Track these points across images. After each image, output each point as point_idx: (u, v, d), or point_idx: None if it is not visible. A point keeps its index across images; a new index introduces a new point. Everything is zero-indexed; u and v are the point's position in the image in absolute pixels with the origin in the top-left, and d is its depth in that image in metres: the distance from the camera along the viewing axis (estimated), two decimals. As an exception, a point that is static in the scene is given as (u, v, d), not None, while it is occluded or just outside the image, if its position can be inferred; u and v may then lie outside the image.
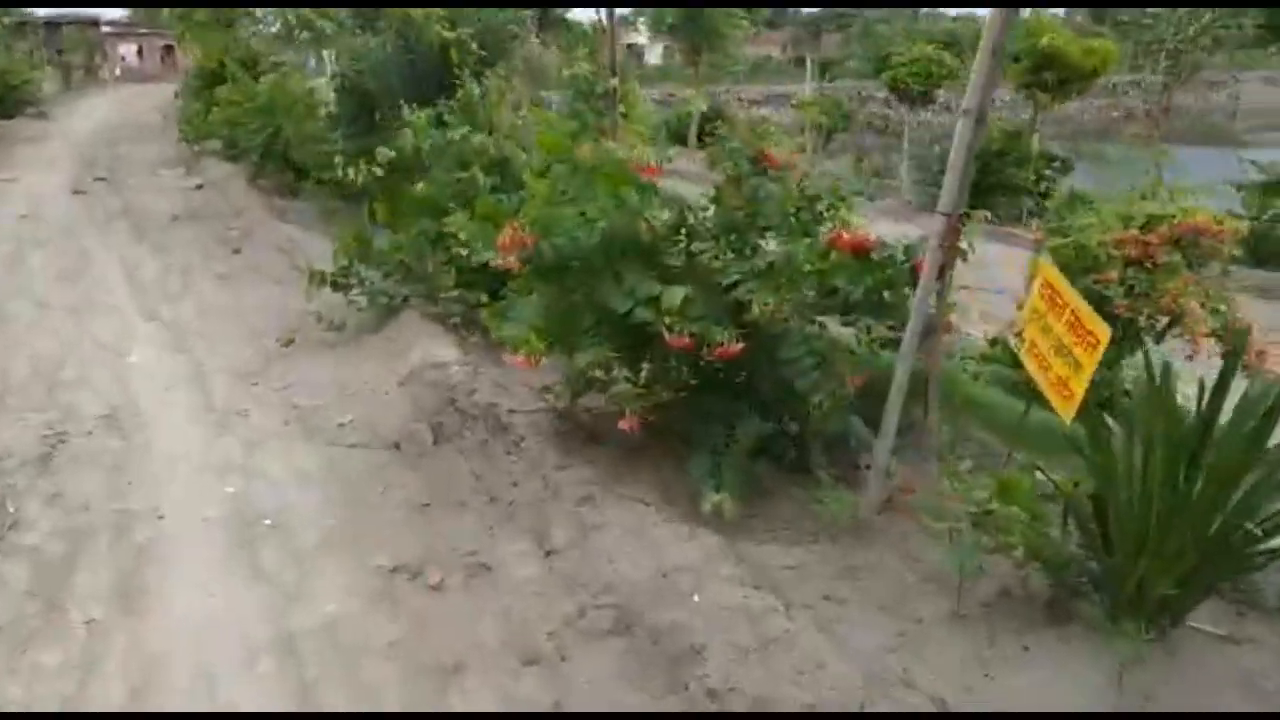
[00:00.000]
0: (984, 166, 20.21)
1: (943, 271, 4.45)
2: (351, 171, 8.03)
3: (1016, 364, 6.86)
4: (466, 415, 5.60)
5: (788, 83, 34.11)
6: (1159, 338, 7.54)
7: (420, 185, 7.38)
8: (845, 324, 4.95)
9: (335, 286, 7.59)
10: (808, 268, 4.83)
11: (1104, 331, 3.64)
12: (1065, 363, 3.82)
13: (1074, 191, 12.64)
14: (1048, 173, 20.71)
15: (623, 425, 4.53)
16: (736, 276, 4.49)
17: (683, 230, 4.81)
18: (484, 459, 5.18)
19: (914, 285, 4.67)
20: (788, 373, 4.55)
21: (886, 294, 4.93)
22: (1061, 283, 3.98)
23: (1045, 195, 20.37)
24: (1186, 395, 3.71)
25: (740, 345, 4.40)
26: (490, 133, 7.61)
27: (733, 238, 4.94)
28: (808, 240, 4.87)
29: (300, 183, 12.95)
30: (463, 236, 5.02)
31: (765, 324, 4.45)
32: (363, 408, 6.04)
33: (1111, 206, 8.46)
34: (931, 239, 4.39)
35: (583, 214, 4.57)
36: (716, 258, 4.61)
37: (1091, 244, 7.82)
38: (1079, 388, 3.71)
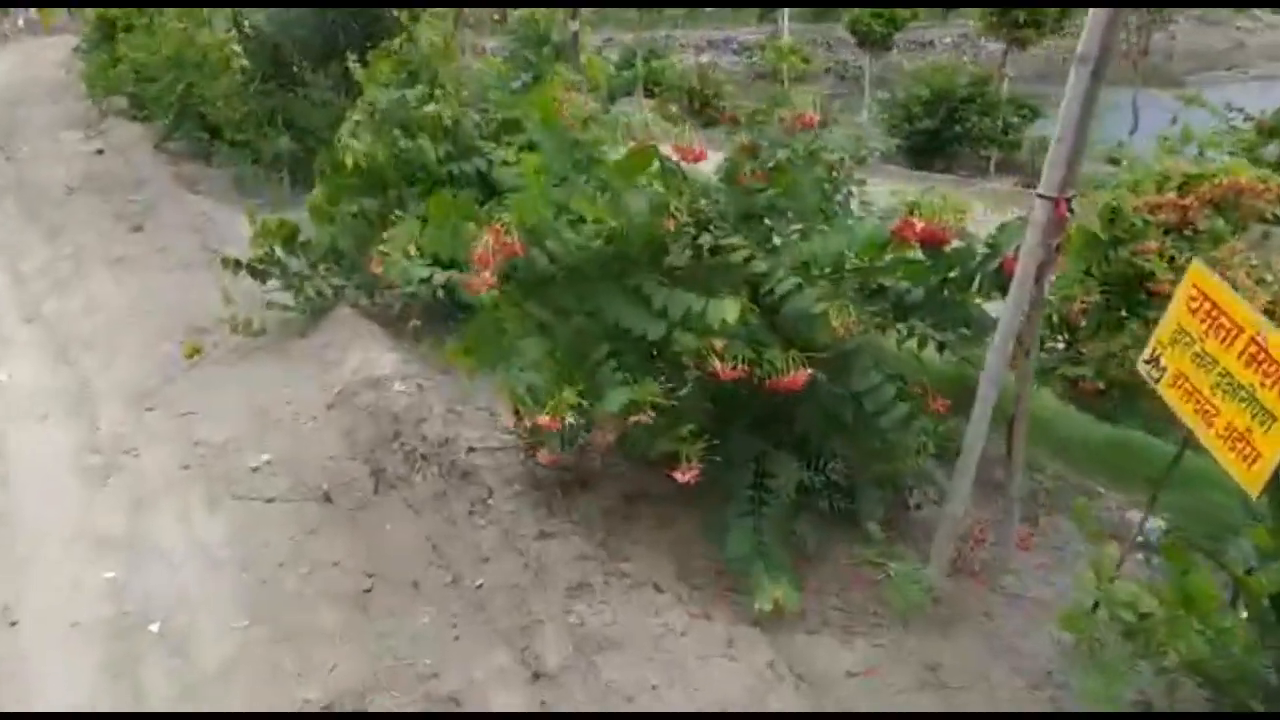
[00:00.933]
0: (949, 114, 19.30)
1: (1043, 271, 3.39)
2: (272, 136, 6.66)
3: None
4: (415, 454, 4.44)
5: (728, 28, 32.50)
6: (1202, 315, 6.58)
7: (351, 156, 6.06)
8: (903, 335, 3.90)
9: (254, 274, 6.31)
10: (852, 264, 3.76)
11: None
12: (1244, 409, 2.78)
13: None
14: (1015, 120, 19.76)
15: (680, 477, 3.38)
16: (791, 280, 3.36)
17: (694, 220, 3.67)
18: (441, 518, 4.04)
19: (999, 286, 3.62)
20: (867, 405, 3.48)
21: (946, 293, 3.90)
22: (1224, 293, 2.94)
23: (1013, 146, 19.56)
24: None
25: (806, 373, 3.30)
26: (433, 91, 6.32)
27: (756, 226, 3.85)
28: (852, 228, 3.78)
29: (214, 146, 11.46)
30: (411, 253, 3.74)
31: (830, 343, 3.36)
32: (284, 442, 4.83)
33: (1142, 164, 7.49)
34: (1030, 230, 3.32)
35: (590, 215, 3.41)
36: (751, 257, 3.47)
37: (1127, 209, 6.77)
38: (1273, 447, 2.68)
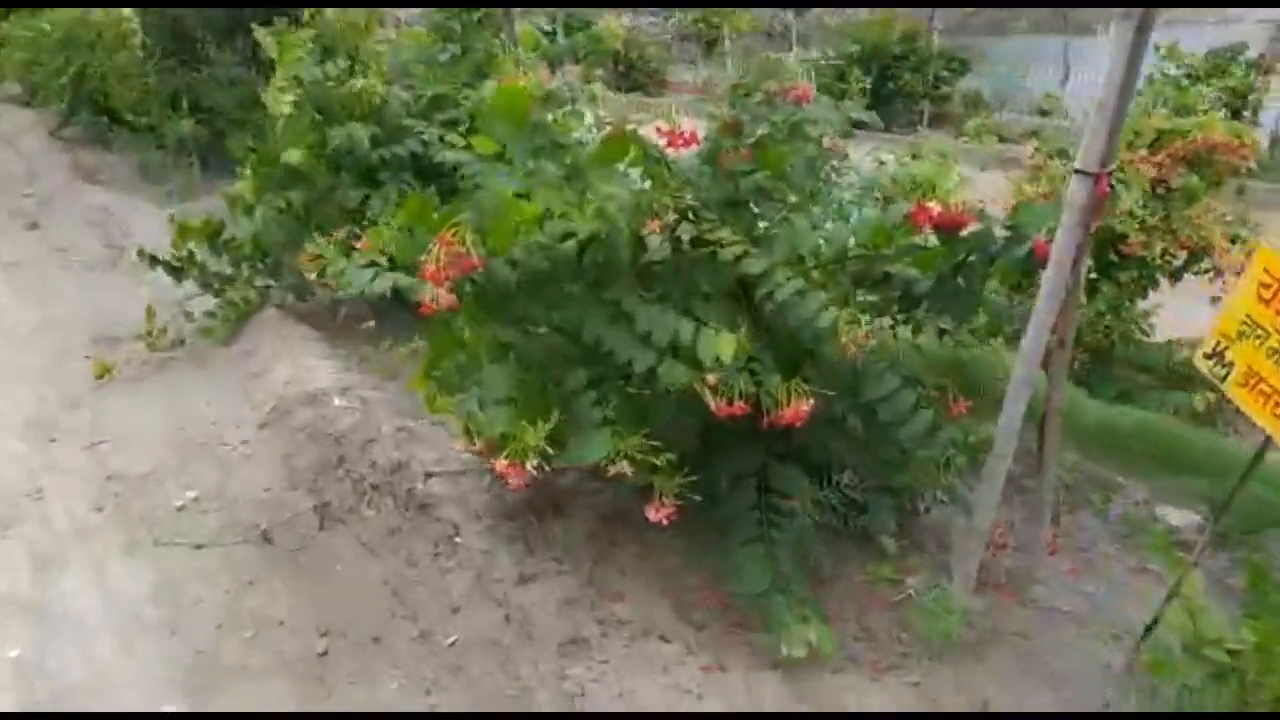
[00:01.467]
0: (882, 71, 19.01)
1: (1079, 255, 3.00)
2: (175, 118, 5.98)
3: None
4: (364, 483, 3.93)
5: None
6: (1176, 276, 6.34)
7: (281, 144, 5.43)
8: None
9: (171, 273, 5.68)
10: (856, 253, 3.34)
11: None
12: (1340, 413, 2.43)
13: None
14: (945, 74, 19.57)
15: (653, 515, 2.95)
16: (792, 285, 2.90)
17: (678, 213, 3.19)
18: (400, 559, 3.54)
19: (1027, 272, 3.24)
20: (883, 415, 3.06)
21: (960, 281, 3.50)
22: (1304, 279, 2.58)
23: (944, 99, 19.37)
24: None
25: (810, 402, 2.86)
26: (353, 66, 5.71)
27: (743, 213, 3.40)
28: (855, 214, 3.36)
29: (114, 131, 10.57)
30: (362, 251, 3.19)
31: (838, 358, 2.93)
32: (212, 473, 4.27)
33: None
34: (1068, 210, 2.92)
35: (558, 211, 2.89)
36: (744, 253, 3.01)
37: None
38: (1377, 456, 2.34)
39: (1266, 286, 2.67)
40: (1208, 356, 2.86)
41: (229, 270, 5.79)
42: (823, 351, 2.98)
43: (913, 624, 3.17)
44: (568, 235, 3.00)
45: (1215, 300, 5.56)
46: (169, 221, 5.84)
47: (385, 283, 3.31)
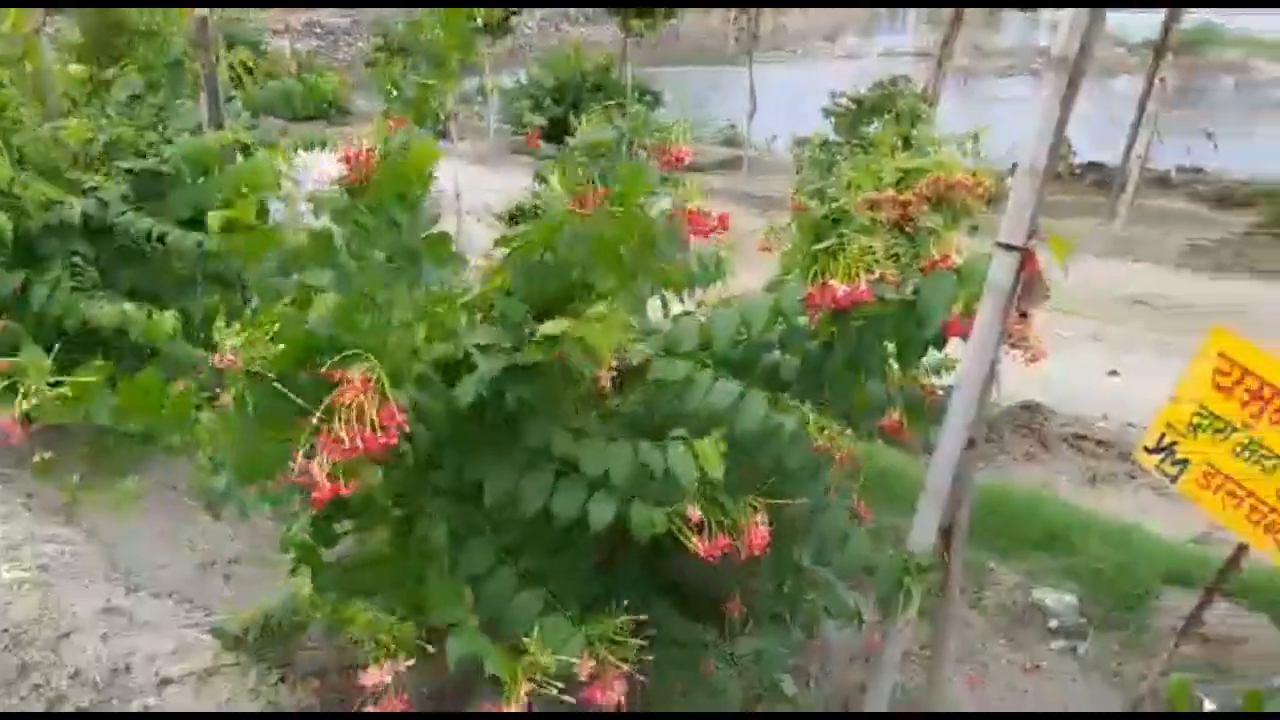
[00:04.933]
0: (574, 104, 18.83)
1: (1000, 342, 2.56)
2: None
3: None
4: (64, 700, 2.75)
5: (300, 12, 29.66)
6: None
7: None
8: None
9: None
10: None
11: None
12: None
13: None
14: (638, 108, 19.79)
15: (602, 698, 2.08)
16: (730, 384, 2.20)
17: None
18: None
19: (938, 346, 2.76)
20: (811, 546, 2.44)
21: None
22: (1273, 366, 2.26)
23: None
24: None
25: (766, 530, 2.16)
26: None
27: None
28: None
29: None
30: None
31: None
32: None
33: (859, 159, 7.17)
34: (989, 294, 2.48)
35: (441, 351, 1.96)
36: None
37: (853, 209, 6.35)
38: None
39: (1225, 374, 2.34)
40: (1152, 450, 2.52)
41: None
42: (790, 462, 2.30)
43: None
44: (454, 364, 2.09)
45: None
46: None
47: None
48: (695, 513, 1.97)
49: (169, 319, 3.46)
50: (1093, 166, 13.58)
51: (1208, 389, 2.37)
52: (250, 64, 5.43)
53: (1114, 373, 6.94)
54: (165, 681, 2.77)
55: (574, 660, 1.93)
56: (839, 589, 2.69)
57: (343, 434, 1.62)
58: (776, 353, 2.94)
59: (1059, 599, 3.47)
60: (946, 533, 2.82)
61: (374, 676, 1.88)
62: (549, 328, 1.99)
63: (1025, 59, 23.83)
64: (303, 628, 2.65)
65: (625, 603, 2.22)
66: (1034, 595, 3.48)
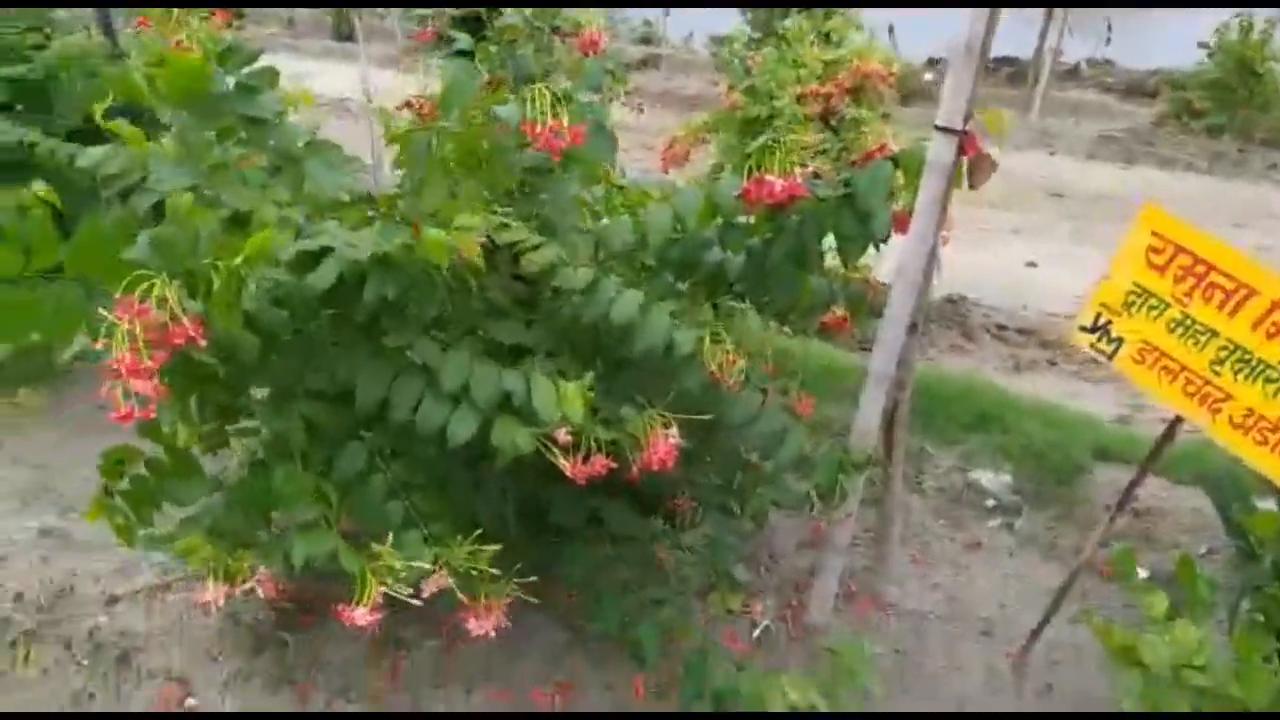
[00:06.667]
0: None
1: (939, 227, 2.57)
2: None
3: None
4: (9, 623, 2.66)
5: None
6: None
7: None
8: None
9: None
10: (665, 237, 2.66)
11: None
12: (1273, 390, 2.20)
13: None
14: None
15: (475, 626, 2.11)
16: (629, 301, 2.15)
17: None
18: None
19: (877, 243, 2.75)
20: (751, 443, 2.46)
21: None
22: (1207, 242, 2.30)
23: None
24: None
25: (673, 442, 2.16)
26: None
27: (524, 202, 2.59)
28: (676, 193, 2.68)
29: None
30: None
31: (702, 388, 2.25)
32: None
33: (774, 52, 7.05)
34: (929, 174, 2.47)
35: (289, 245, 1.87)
36: (553, 266, 2.21)
37: (784, 104, 6.27)
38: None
39: (1158, 251, 2.38)
40: (1087, 330, 2.57)
41: None
42: (684, 383, 2.27)
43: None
44: (313, 260, 2.00)
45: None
46: None
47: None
48: (563, 435, 1.94)
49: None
50: (1006, 60, 13.70)
51: (1141, 267, 2.41)
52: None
53: (1032, 263, 7.08)
54: (113, 600, 2.71)
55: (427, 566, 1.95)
56: (787, 480, 2.71)
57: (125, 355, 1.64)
58: (717, 250, 2.87)
59: (994, 478, 3.58)
60: (890, 415, 2.87)
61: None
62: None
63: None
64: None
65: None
66: (970, 476, 3.59)
